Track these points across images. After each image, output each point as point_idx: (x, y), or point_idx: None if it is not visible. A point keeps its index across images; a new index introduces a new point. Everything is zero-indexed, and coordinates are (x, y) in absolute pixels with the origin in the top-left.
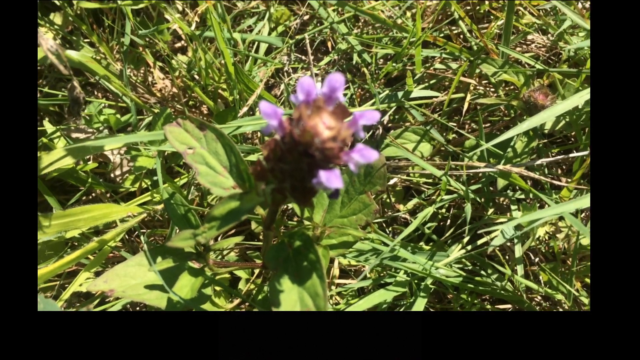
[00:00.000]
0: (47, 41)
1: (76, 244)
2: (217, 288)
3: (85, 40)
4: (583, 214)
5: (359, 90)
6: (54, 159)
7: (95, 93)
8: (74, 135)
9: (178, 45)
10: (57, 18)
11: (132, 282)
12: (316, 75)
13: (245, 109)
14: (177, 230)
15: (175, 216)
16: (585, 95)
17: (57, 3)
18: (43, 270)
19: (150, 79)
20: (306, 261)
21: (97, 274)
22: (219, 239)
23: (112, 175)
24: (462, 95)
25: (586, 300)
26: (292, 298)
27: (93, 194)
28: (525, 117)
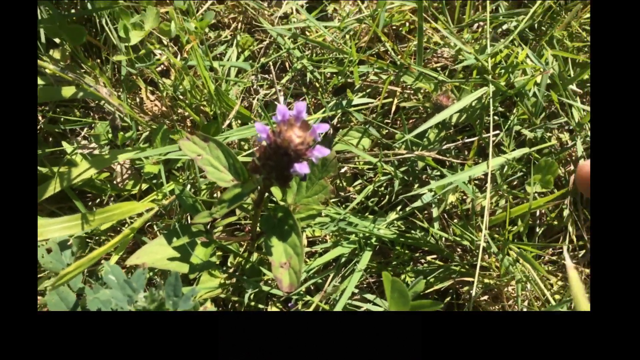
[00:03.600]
0: (102, 89)
1: (103, 238)
2: (217, 260)
3: (82, 70)
4: (477, 181)
5: (313, 99)
6: (81, 171)
7: (91, 114)
8: (86, 151)
9: (159, 69)
10: (56, 53)
11: (158, 257)
12: (279, 90)
13: (227, 122)
14: (188, 217)
15: (186, 205)
16: (474, 95)
17: (57, 41)
18: (95, 252)
19: (138, 99)
20: (287, 225)
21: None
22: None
23: (115, 181)
24: (391, 99)
25: (485, 244)
26: (279, 250)
27: (98, 199)
28: (436, 115)
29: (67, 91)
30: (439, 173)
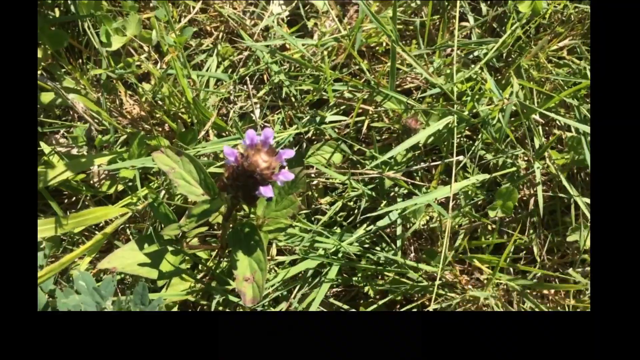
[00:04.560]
0: (78, 105)
1: (77, 238)
2: (187, 266)
3: (62, 69)
4: (443, 200)
5: (289, 113)
6: (58, 172)
7: (71, 113)
8: (63, 150)
9: (140, 72)
10: (38, 52)
11: (128, 262)
12: (255, 103)
13: (203, 132)
14: (160, 223)
15: (158, 214)
16: (441, 123)
17: (39, 42)
18: (67, 257)
19: (117, 100)
20: (252, 241)
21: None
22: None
23: (91, 181)
24: (363, 118)
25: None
26: (244, 264)
27: (74, 198)
28: (404, 137)
29: (46, 97)
30: (406, 191)
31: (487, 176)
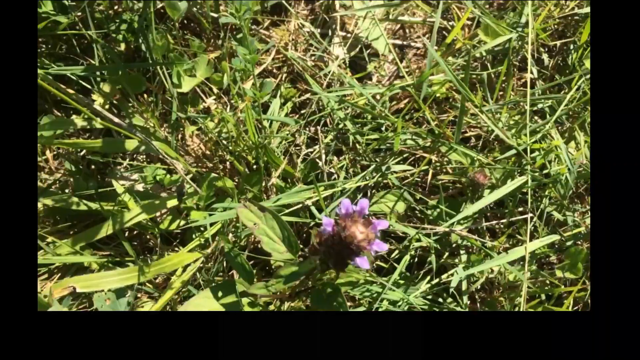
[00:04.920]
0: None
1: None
2: None
3: (130, 106)
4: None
5: (352, 159)
6: (133, 215)
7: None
8: (129, 184)
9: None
10: (105, 87)
11: (204, 310)
12: (323, 150)
13: (273, 179)
14: (236, 273)
15: (234, 264)
16: (513, 185)
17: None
18: (157, 304)
19: (180, 137)
20: (335, 302)
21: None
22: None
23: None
24: (427, 167)
25: None
26: None
27: (135, 232)
28: (471, 190)
29: (130, 144)
30: (470, 246)
31: (557, 237)
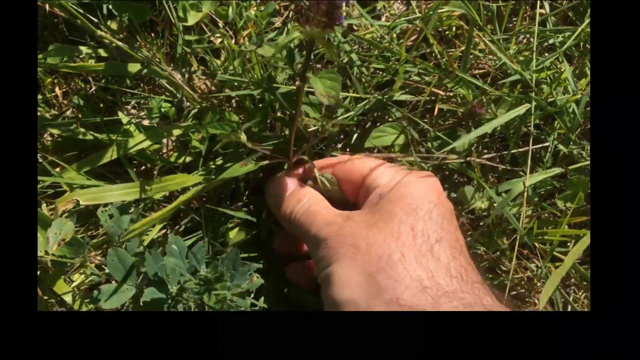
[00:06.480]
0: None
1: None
2: None
3: (137, 42)
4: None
5: (355, 92)
6: (137, 141)
7: (142, 85)
8: (137, 121)
9: (216, 47)
10: (113, 24)
11: None
12: None
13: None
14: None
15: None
16: (516, 111)
17: (115, 13)
18: (150, 218)
19: (187, 75)
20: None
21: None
22: None
23: (161, 152)
24: (430, 98)
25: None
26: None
27: (143, 167)
28: (469, 121)
29: (133, 67)
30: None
31: (561, 170)
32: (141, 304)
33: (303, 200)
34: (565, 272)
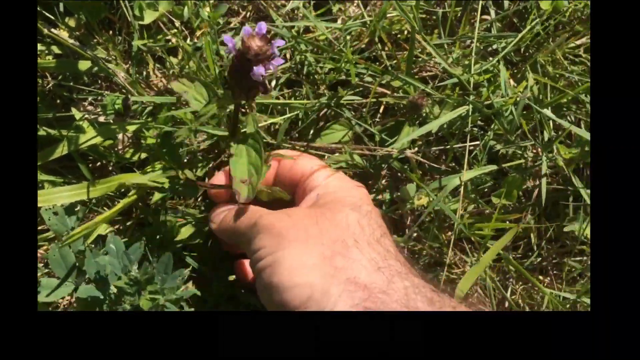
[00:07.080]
0: (120, 74)
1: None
2: None
3: (94, 40)
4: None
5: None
6: (89, 137)
7: (99, 82)
8: (92, 117)
9: (171, 46)
10: (71, 22)
11: None
12: (278, 77)
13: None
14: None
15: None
16: (455, 112)
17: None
18: (98, 218)
19: (145, 73)
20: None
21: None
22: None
23: (116, 149)
24: (377, 99)
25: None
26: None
27: (98, 163)
28: (411, 113)
29: (83, 65)
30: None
31: (495, 167)
32: (73, 300)
33: (232, 206)
34: (489, 261)
